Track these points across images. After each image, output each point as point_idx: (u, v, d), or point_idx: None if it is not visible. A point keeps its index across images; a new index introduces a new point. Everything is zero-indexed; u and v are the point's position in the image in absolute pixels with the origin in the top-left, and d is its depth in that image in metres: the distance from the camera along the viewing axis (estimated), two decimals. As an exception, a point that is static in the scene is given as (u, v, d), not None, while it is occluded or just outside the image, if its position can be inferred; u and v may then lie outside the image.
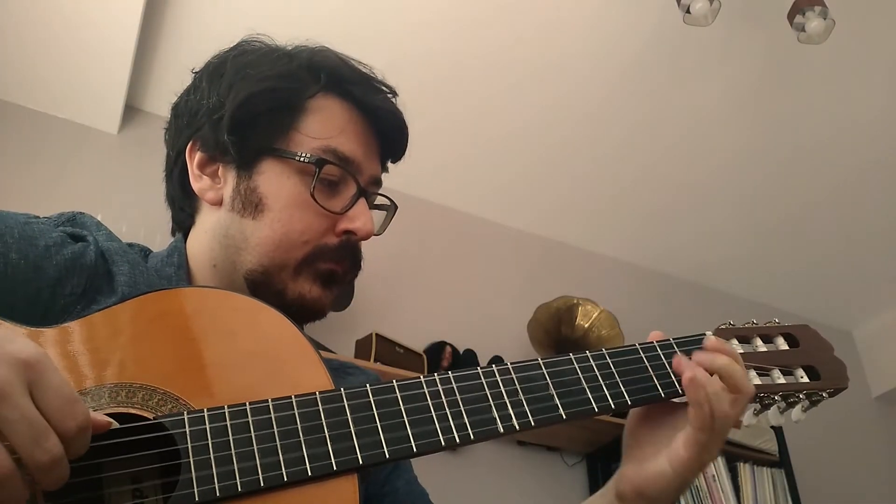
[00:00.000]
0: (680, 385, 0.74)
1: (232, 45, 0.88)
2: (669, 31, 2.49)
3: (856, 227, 3.29)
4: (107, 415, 0.58)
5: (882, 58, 2.59)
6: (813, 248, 3.41)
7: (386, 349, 2.57)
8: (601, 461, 2.80)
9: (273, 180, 0.81)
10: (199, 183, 0.84)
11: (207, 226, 0.84)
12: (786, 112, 2.82)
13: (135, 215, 2.29)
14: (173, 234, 0.90)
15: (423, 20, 2.53)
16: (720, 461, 2.80)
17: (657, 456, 0.73)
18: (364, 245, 0.86)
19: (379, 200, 0.90)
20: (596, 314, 2.94)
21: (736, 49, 2.59)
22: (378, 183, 0.88)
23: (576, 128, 2.91)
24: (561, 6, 2.49)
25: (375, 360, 2.48)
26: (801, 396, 0.81)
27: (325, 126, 0.83)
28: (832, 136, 2.89)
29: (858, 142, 2.91)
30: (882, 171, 3.02)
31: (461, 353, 2.84)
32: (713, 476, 2.75)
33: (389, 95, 0.88)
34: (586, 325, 2.94)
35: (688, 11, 2.27)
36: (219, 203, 0.83)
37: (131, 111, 2.76)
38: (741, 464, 2.85)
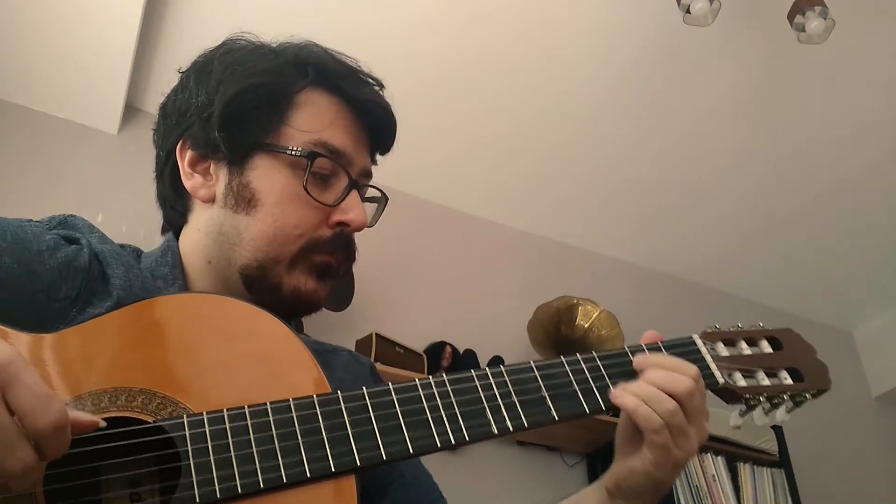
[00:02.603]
0: None
1: (218, 44, 0.88)
2: (669, 32, 2.49)
3: (855, 226, 3.29)
4: (107, 419, 0.58)
5: (882, 58, 2.59)
6: (813, 248, 3.42)
7: (386, 349, 2.57)
8: (601, 461, 2.80)
9: (265, 175, 0.81)
10: (190, 181, 0.84)
11: (200, 223, 0.84)
12: (785, 112, 2.82)
13: (135, 215, 2.29)
14: (164, 233, 0.90)
15: (423, 20, 2.53)
16: (720, 461, 2.81)
17: (636, 454, 0.75)
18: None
19: (370, 193, 0.90)
20: (596, 314, 2.94)
21: (736, 49, 2.59)
22: (369, 175, 0.89)
23: (576, 127, 2.91)
24: (561, 6, 2.49)
25: (375, 360, 2.48)
26: (785, 398, 0.82)
27: (314, 120, 0.83)
28: (832, 136, 2.90)
29: (858, 142, 2.91)
30: (882, 170, 3.02)
31: (461, 353, 2.84)
32: (713, 476, 2.75)
33: (377, 87, 0.88)
34: (586, 325, 2.94)
35: (688, 11, 2.27)
36: (211, 200, 0.83)
37: (131, 111, 2.77)
38: (741, 464, 2.85)
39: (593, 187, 3.18)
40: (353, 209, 0.82)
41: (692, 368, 0.76)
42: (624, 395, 0.74)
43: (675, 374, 0.75)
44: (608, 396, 0.75)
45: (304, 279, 0.80)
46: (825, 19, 2.25)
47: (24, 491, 0.52)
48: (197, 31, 2.51)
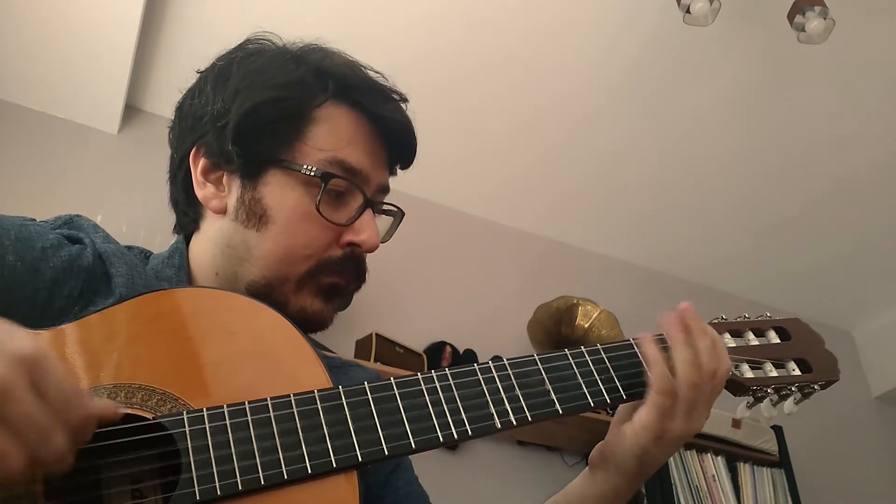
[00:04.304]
0: None
1: (237, 46, 0.87)
2: (669, 31, 2.49)
3: (855, 227, 3.29)
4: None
5: (882, 58, 2.59)
6: (813, 248, 3.41)
7: (386, 349, 2.57)
8: (601, 461, 2.79)
9: (278, 192, 0.80)
10: (202, 190, 0.83)
11: (210, 234, 0.83)
12: (785, 112, 2.81)
13: (135, 215, 2.29)
14: (175, 232, 0.89)
15: (423, 20, 2.53)
16: (720, 461, 2.80)
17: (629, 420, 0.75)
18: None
19: (385, 207, 0.89)
20: (596, 314, 2.94)
21: (736, 49, 2.59)
22: (385, 191, 0.87)
23: (576, 127, 2.91)
24: (561, 6, 2.49)
25: (375, 360, 2.48)
26: (793, 389, 0.81)
27: (332, 137, 0.82)
28: (832, 136, 2.89)
29: (858, 142, 2.91)
30: (882, 170, 3.02)
31: (461, 353, 2.84)
32: (713, 476, 2.75)
33: (399, 102, 0.87)
34: (586, 325, 2.94)
35: (688, 11, 2.27)
36: (223, 211, 0.82)
37: (131, 111, 2.76)
38: (741, 464, 2.85)
39: (593, 187, 3.18)
40: (366, 230, 0.81)
41: (721, 363, 0.75)
42: (654, 343, 0.73)
43: (720, 352, 0.74)
44: (635, 346, 0.75)
45: (311, 300, 0.80)
46: (825, 19, 2.25)
47: (24, 491, 0.52)
48: (197, 31, 2.51)
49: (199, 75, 0.87)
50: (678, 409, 0.72)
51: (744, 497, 2.75)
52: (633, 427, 0.73)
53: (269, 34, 0.87)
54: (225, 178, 0.82)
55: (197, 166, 0.83)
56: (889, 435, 3.60)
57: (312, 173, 0.79)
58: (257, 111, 0.80)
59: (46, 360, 0.50)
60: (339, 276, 0.81)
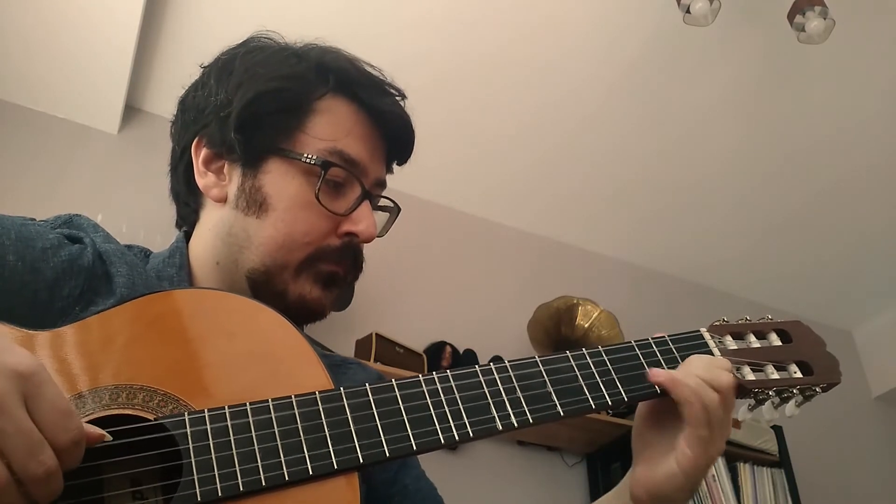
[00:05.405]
0: None
1: (241, 42, 0.88)
2: (669, 31, 2.49)
3: (855, 227, 3.29)
4: (108, 416, 0.58)
5: (882, 58, 2.59)
6: (813, 248, 3.41)
7: (386, 349, 2.57)
8: (601, 461, 2.80)
9: (278, 180, 0.81)
10: (203, 179, 0.84)
11: (211, 223, 0.84)
12: (785, 112, 2.82)
13: (135, 215, 2.29)
14: (178, 227, 0.90)
15: (423, 20, 2.53)
16: (720, 461, 2.80)
17: (666, 457, 0.74)
18: (365, 245, 0.86)
19: (382, 202, 0.90)
20: (596, 314, 2.94)
21: (736, 49, 2.59)
22: (382, 185, 0.89)
23: (576, 127, 2.91)
24: (561, 6, 2.49)
25: (375, 360, 2.48)
26: (794, 391, 0.81)
27: (331, 128, 0.83)
28: (832, 136, 2.90)
29: (858, 142, 2.91)
30: (881, 170, 3.02)
31: (461, 353, 2.84)
32: (713, 476, 2.75)
33: (398, 98, 0.88)
34: (586, 325, 2.94)
35: (688, 11, 2.27)
36: (223, 200, 0.83)
37: (131, 111, 2.76)
38: (741, 464, 2.85)
39: (593, 187, 3.18)
40: (364, 220, 0.82)
41: (726, 362, 0.76)
42: (679, 385, 0.72)
43: (716, 368, 0.74)
44: (653, 383, 0.74)
45: (310, 287, 0.80)
46: (825, 19, 2.25)
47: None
48: (197, 31, 2.51)
49: (202, 70, 0.88)
50: (716, 434, 0.72)
51: (744, 497, 2.76)
52: (683, 468, 0.72)
53: (272, 33, 0.89)
54: (226, 167, 0.83)
55: (199, 156, 0.84)
56: (889, 435, 3.60)
57: (313, 161, 0.80)
58: (260, 101, 0.81)
59: (42, 377, 0.50)
60: (337, 264, 0.82)
